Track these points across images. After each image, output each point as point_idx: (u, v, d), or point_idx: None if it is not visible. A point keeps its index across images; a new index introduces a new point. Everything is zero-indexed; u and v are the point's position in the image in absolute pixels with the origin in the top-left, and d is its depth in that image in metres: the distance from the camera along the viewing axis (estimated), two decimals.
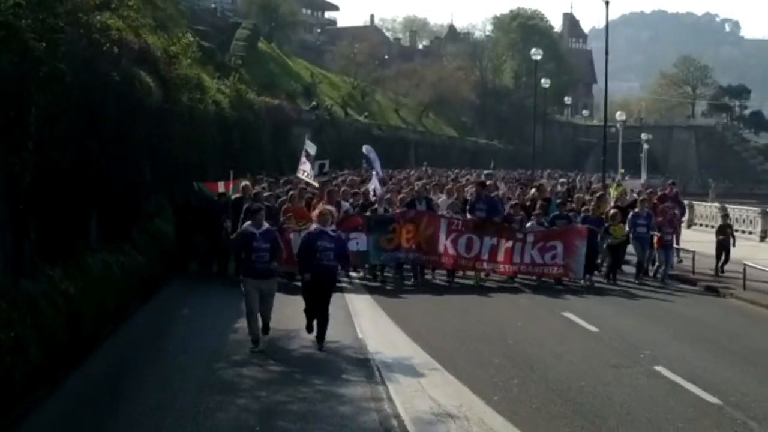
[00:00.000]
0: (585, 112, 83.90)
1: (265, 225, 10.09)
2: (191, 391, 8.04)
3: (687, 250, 17.83)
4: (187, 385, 8.23)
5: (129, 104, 13.24)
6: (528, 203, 17.52)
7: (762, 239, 24.73)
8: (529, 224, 15.64)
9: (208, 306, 12.55)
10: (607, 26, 28.13)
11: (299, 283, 10.94)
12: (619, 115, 50.70)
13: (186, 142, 18.57)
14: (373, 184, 18.91)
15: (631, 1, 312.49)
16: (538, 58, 40.26)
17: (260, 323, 9.78)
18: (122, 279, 12.10)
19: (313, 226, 10.19)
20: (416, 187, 17.98)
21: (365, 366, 8.95)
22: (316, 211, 10.57)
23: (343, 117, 54.46)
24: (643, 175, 61.44)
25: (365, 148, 22.22)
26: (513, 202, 17.15)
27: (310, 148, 18.67)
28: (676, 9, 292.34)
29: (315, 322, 9.92)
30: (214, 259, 15.50)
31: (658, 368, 8.99)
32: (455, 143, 75.28)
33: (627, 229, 15.84)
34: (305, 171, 18.42)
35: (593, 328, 11.20)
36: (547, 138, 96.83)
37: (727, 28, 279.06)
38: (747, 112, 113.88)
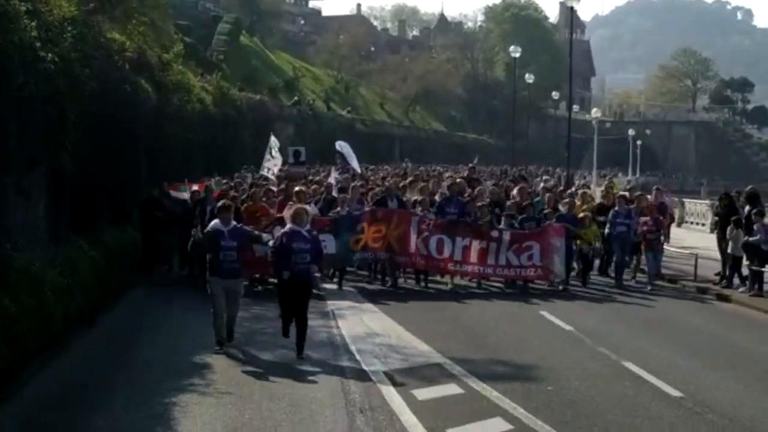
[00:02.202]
0: (576, 107, 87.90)
1: (233, 223, 10.52)
2: (197, 325, 11.84)
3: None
4: (198, 321, 12.05)
5: (133, 109, 17.14)
6: (509, 203, 17.17)
7: (712, 231, 28.83)
8: (500, 225, 15.83)
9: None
10: (571, 31, 32.01)
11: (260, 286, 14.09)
12: (595, 112, 55.06)
13: (175, 139, 22.42)
14: (332, 177, 19.85)
15: None
16: (517, 55, 44.37)
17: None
18: (130, 251, 15.98)
19: (288, 227, 10.37)
20: (387, 184, 18.52)
21: (322, 310, 12.85)
22: (291, 210, 10.73)
23: (326, 111, 58.33)
24: (630, 172, 65.50)
25: (338, 144, 24.51)
26: (480, 203, 16.56)
27: (274, 145, 20.10)
28: None
29: (293, 326, 10.16)
30: (183, 261, 15.85)
31: (543, 312, 13.03)
32: (442, 138, 79.22)
33: (607, 228, 16.09)
34: (269, 168, 19.28)
35: (510, 290, 15.24)
36: (542, 133, 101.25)
37: (739, 16, 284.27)
38: (750, 106, 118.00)
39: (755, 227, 14.57)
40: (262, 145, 39.47)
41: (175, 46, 22.34)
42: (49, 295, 10.70)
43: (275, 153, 20.03)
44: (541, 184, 25.20)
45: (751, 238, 14.59)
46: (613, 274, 16.40)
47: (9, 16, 9.86)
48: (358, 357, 10.01)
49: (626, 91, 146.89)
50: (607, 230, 16.13)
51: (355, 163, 24.35)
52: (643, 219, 16.14)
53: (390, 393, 8.51)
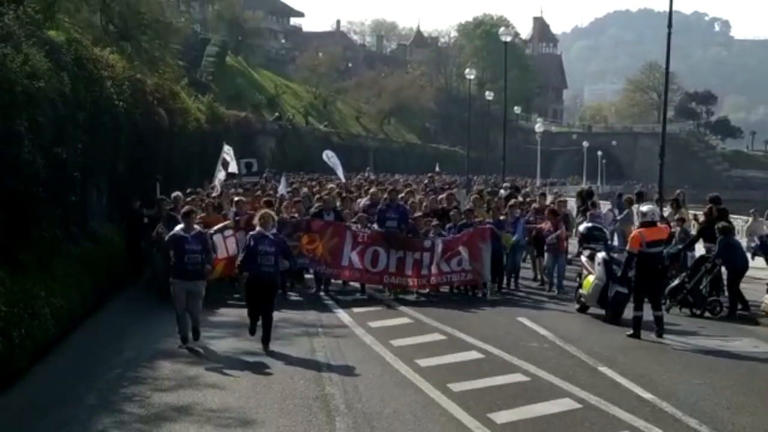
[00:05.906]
0: (540, 119, 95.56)
1: (196, 228, 11.60)
2: None
3: None
4: None
5: (156, 132, 24.02)
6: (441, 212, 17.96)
7: None
8: (431, 234, 16.46)
9: None
10: (505, 51, 38.57)
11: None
12: (538, 127, 62.30)
13: (179, 153, 29.21)
14: (282, 188, 21.91)
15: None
16: (472, 77, 51.41)
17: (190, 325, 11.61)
18: None
19: (256, 230, 11.45)
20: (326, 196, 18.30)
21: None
22: (258, 215, 11.79)
23: (304, 126, 65.27)
24: (584, 181, 72.84)
25: (326, 154, 26.78)
26: (417, 213, 17.55)
27: (228, 155, 22.20)
28: (663, 8, 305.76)
29: (259, 325, 11.18)
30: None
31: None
32: (415, 149, 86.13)
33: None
34: (220, 179, 21.25)
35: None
36: (512, 145, 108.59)
37: (717, 27, 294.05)
38: (714, 118, 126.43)
39: (587, 215, 21.56)
40: (247, 157, 45.82)
41: (181, 81, 29.25)
42: (118, 251, 17.58)
43: (228, 159, 21.85)
44: (501, 190, 28.06)
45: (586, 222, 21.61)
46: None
47: (99, 82, 16.78)
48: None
49: (599, 103, 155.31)
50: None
51: (340, 173, 27.85)
52: (544, 224, 17.60)
53: (336, 309, 15.23)
